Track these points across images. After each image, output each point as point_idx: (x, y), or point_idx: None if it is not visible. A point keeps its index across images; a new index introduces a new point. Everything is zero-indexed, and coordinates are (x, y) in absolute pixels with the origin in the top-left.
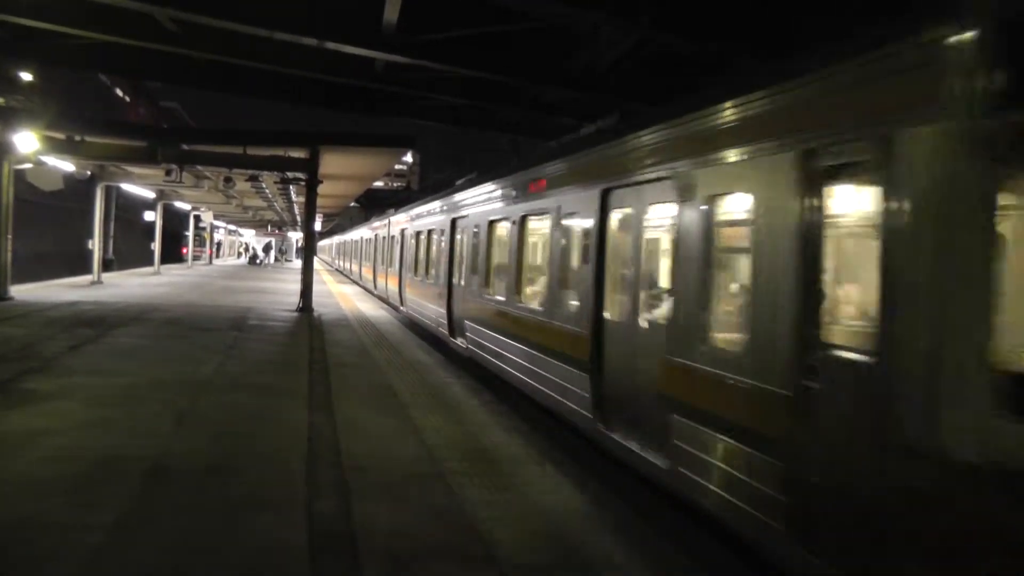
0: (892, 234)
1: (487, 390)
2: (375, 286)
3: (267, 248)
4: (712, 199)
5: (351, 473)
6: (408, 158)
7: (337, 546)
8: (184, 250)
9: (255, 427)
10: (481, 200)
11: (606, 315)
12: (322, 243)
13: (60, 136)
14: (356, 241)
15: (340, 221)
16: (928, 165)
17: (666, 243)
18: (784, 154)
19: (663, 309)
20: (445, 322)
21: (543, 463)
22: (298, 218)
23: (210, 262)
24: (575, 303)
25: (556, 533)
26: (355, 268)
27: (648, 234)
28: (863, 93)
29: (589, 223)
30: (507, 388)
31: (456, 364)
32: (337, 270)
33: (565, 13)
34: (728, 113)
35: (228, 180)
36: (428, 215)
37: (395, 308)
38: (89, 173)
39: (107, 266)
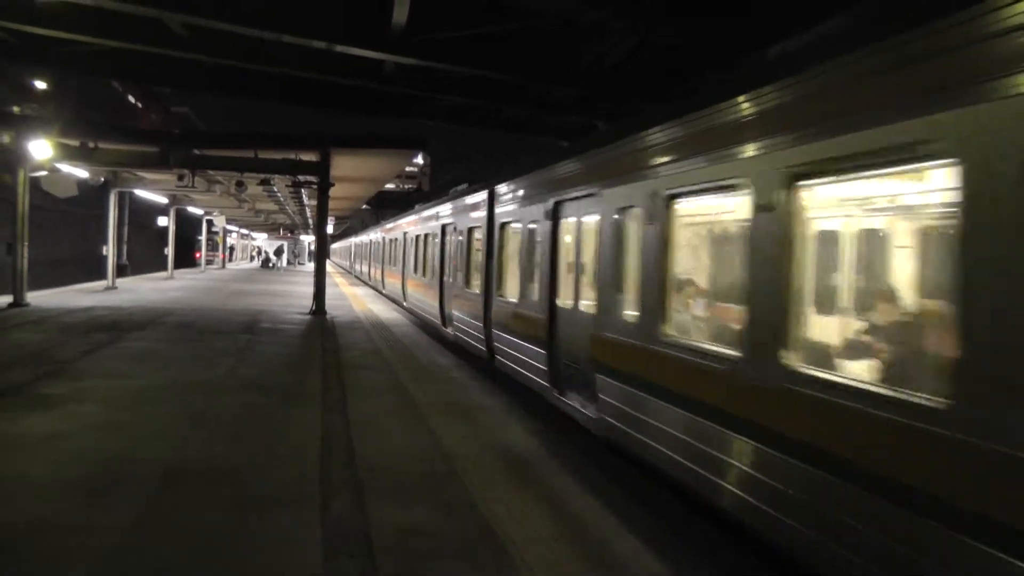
0: None
1: (503, 391)
2: (445, 320)
3: (279, 251)
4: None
5: (365, 473)
6: (419, 159)
7: (352, 545)
8: (197, 254)
9: (269, 428)
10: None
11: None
12: (335, 246)
13: (74, 143)
14: (393, 240)
15: (352, 223)
16: None
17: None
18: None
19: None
20: None
21: (560, 472)
22: (310, 221)
23: (223, 266)
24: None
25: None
26: (392, 280)
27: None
28: None
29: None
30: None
31: (472, 363)
32: (358, 278)
33: (570, 11)
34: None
35: (240, 184)
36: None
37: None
38: (102, 179)
39: (121, 271)
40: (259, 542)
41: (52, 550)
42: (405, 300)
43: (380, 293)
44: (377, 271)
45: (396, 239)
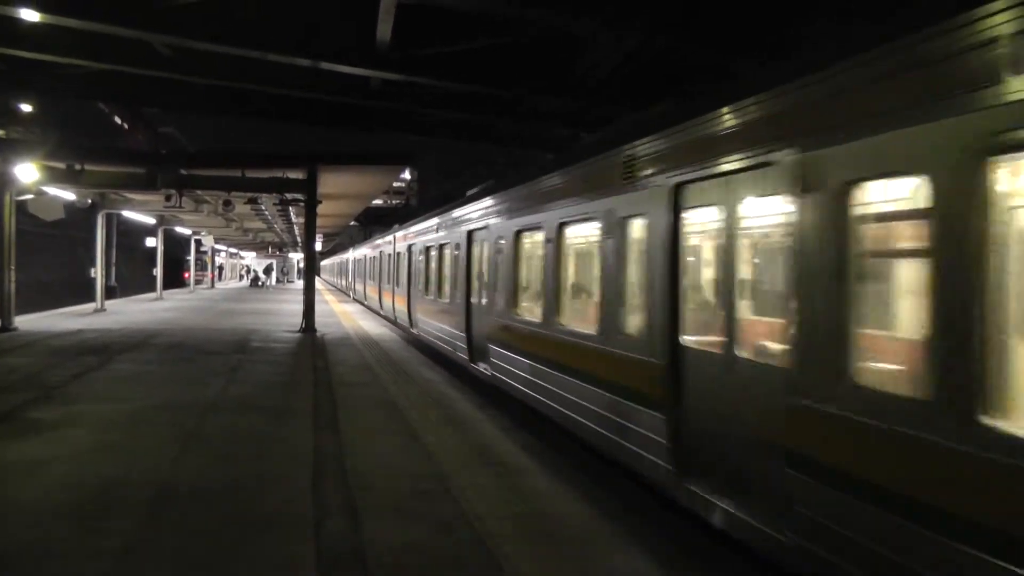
0: None
1: (493, 405)
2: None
3: (268, 270)
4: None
5: (358, 491)
6: (407, 175)
7: (346, 564)
8: (186, 275)
9: (261, 448)
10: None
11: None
12: (326, 262)
13: (60, 165)
14: (432, 249)
15: (341, 239)
16: None
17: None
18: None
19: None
20: None
21: (550, 473)
22: (298, 239)
23: (212, 286)
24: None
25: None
26: (428, 317)
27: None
28: None
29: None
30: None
31: (460, 377)
32: (361, 303)
33: (560, 22)
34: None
35: (227, 203)
36: None
37: None
38: (90, 201)
39: (110, 293)
40: (252, 563)
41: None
42: (479, 360)
43: (410, 332)
44: (397, 298)
45: (442, 245)
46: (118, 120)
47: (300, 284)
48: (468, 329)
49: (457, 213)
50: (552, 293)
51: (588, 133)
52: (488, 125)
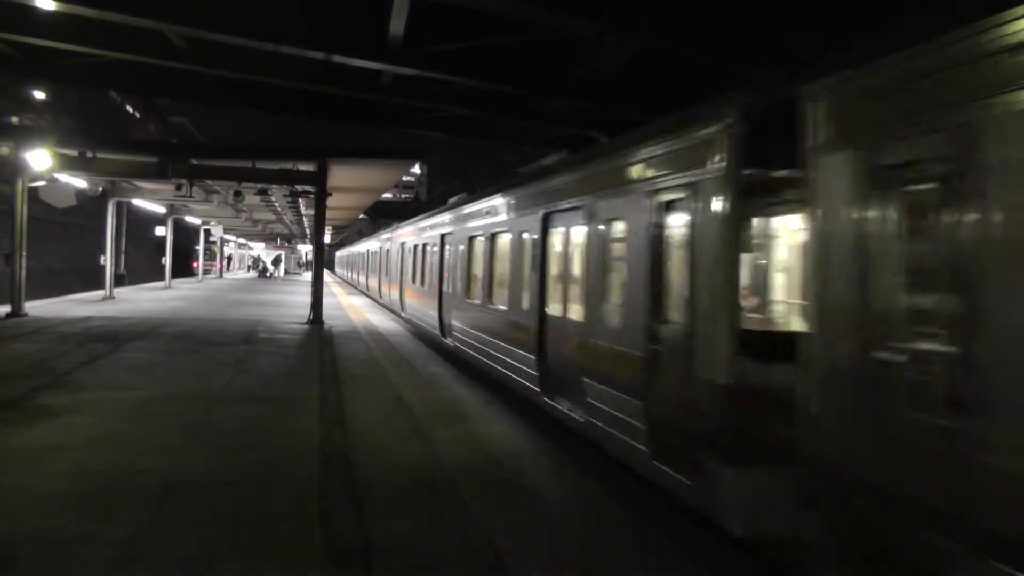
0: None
1: (500, 400)
2: None
3: (277, 261)
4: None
5: (364, 485)
6: (416, 169)
7: (351, 558)
8: (195, 264)
9: (268, 440)
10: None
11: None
12: (340, 253)
13: (72, 153)
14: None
15: (349, 233)
16: None
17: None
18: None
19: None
20: None
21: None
22: (308, 231)
23: (220, 276)
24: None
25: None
26: None
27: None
28: None
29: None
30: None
31: (468, 374)
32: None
33: (568, 23)
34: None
35: (237, 194)
36: None
37: None
38: (101, 189)
39: (119, 281)
40: (258, 555)
41: (51, 563)
42: (447, 335)
43: (400, 316)
44: (392, 287)
45: (425, 244)
46: (130, 109)
47: (309, 276)
48: (440, 310)
49: (433, 220)
50: (486, 283)
51: (600, 134)
52: (496, 122)
